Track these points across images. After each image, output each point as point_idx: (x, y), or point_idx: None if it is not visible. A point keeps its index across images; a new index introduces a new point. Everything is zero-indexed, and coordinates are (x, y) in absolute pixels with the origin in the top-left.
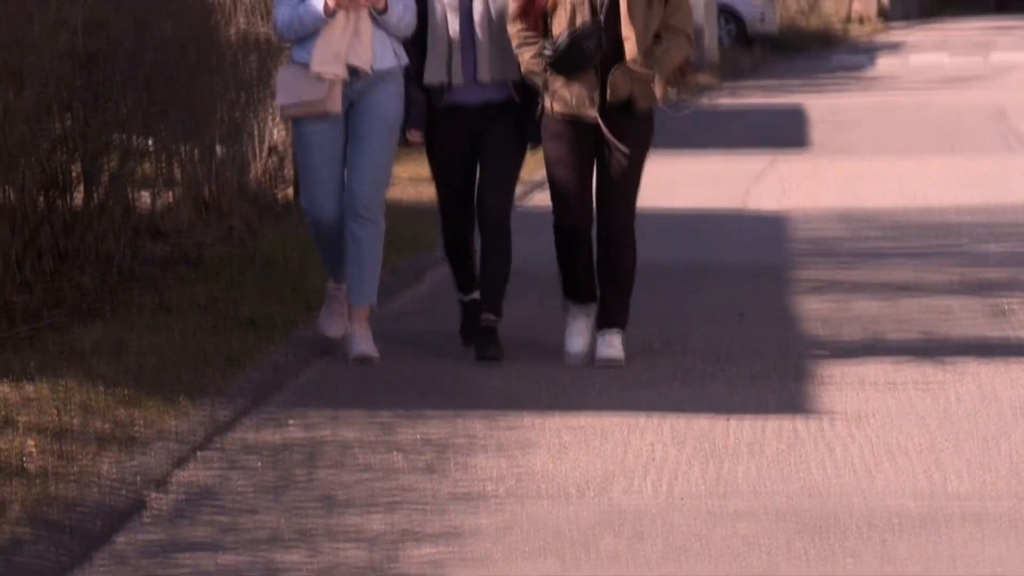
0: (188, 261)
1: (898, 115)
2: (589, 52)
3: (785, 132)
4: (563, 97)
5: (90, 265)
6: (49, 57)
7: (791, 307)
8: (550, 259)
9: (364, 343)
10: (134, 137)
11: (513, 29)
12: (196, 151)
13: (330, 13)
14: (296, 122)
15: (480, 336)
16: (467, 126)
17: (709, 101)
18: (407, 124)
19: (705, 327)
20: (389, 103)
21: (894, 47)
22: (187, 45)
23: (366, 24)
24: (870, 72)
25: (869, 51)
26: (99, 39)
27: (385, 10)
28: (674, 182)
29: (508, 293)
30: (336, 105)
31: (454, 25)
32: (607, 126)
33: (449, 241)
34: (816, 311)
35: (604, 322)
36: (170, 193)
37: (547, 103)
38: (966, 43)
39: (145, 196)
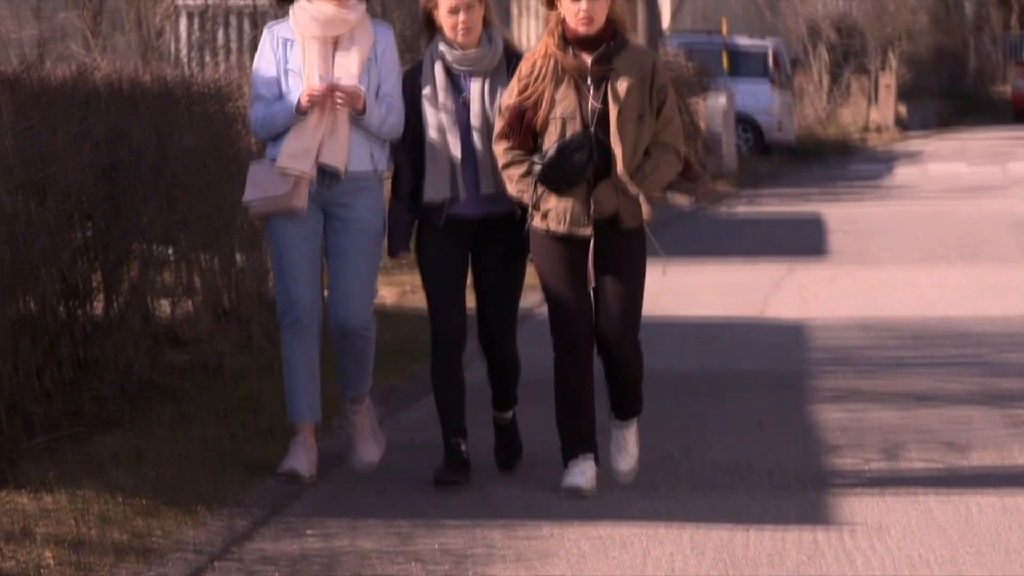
0: (207, 369)
1: (916, 224)
2: (580, 164)
3: (803, 240)
4: (555, 214)
5: (109, 374)
6: (71, 168)
7: (810, 416)
8: None
9: (366, 450)
10: (155, 246)
11: (499, 148)
12: (216, 260)
13: (302, 111)
14: (268, 220)
15: (500, 440)
16: (465, 239)
17: (727, 209)
18: (393, 244)
19: (724, 436)
20: (370, 217)
21: (912, 156)
22: (207, 155)
23: (344, 124)
24: (888, 181)
25: (887, 160)
26: (121, 150)
27: (363, 112)
28: (693, 290)
29: (524, 399)
30: (301, 202)
31: (453, 139)
32: (598, 242)
33: (439, 362)
34: (836, 420)
35: (617, 411)
36: (190, 302)
37: (538, 221)
38: (984, 152)
39: (165, 305)
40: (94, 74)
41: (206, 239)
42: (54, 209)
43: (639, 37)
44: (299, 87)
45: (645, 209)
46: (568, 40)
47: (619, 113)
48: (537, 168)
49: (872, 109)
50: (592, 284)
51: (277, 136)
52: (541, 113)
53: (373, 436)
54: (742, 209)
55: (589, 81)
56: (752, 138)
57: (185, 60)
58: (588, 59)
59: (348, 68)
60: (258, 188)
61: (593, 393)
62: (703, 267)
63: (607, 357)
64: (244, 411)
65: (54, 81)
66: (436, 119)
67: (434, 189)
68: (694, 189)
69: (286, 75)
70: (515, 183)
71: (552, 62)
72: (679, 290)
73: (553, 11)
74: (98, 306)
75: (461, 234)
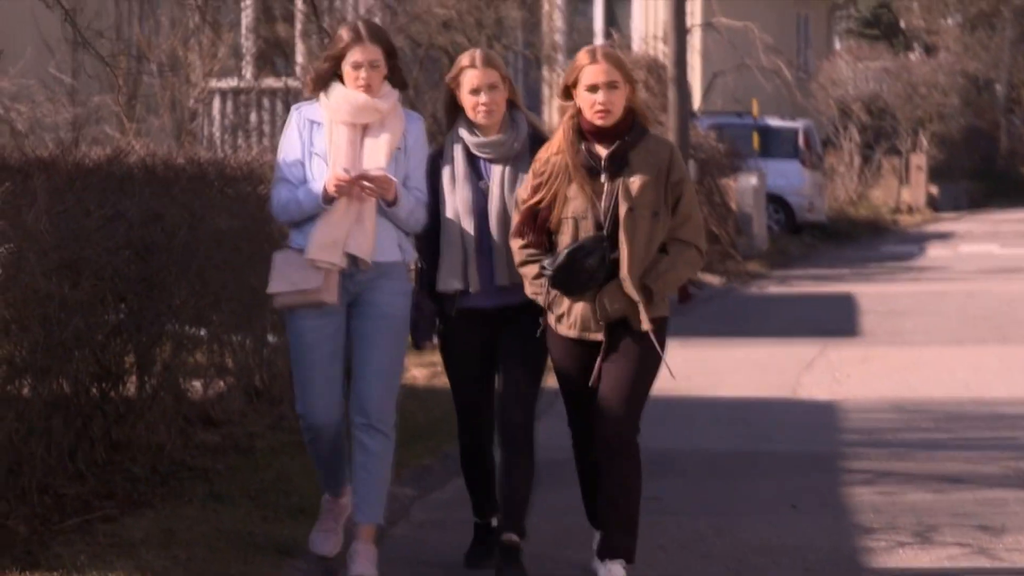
0: (239, 450)
1: (949, 304)
2: (591, 270)
3: (835, 320)
4: (568, 318)
5: (142, 454)
6: (105, 250)
7: (844, 497)
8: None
9: (365, 565)
10: (187, 326)
11: (515, 245)
12: (248, 340)
13: (328, 200)
14: (290, 314)
15: (501, 559)
16: (483, 331)
17: (758, 289)
18: (417, 335)
19: (757, 516)
20: (395, 302)
21: (944, 236)
22: (240, 237)
23: (371, 212)
24: (920, 261)
25: (919, 240)
26: (154, 231)
27: (395, 203)
28: (724, 369)
29: (534, 498)
30: (332, 296)
31: (469, 227)
32: (608, 343)
33: (466, 450)
34: (869, 501)
35: (605, 551)
36: (222, 382)
37: (552, 322)
38: (1016, 233)
39: (197, 385)
40: (128, 156)
41: (238, 319)
42: (88, 290)
43: (670, 118)
44: (324, 172)
45: (644, 320)
46: (584, 132)
47: (630, 211)
48: (547, 273)
49: (903, 189)
50: (596, 381)
51: (300, 222)
52: (555, 212)
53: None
54: (773, 289)
55: (603, 178)
56: (783, 218)
57: (218, 142)
58: (604, 152)
59: (376, 156)
60: (285, 279)
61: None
62: (734, 347)
63: (601, 459)
64: (275, 491)
65: (89, 163)
66: (453, 205)
67: (446, 279)
68: (724, 270)
69: (311, 158)
70: (529, 283)
71: (566, 157)
72: (710, 370)
73: (569, 102)
74: (131, 386)
75: (480, 324)
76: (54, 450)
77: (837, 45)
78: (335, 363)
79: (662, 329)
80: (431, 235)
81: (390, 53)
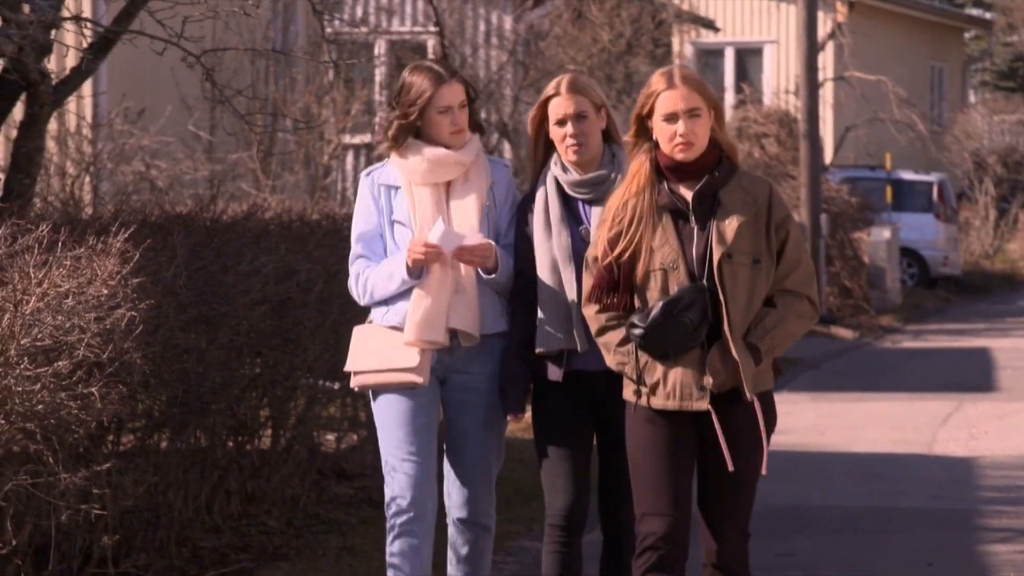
0: (371, 503)
1: None
2: (691, 326)
3: (971, 375)
4: (664, 386)
5: (276, 507)
6: (242, 305)
7: (982, 555)
8: None
9: None
10: (320, 380)
11: (589, 312)
12: None
13: (414, 274)
14: (375, 393)
15: None
16: (589, 398)
17: (892, 343)
18: (507, 404)
19: (892, 574)
20: (495, 387)
21: None
22: None
23: (471, 279)
24: None
25: None
26: (289, 287)
27: (495, 270)
28: (857, 424)
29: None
30: (426, 376)
31: (570, 278)
32: (717, 417)
33: (555, 540)
34: (1008, 560)
35: None
36: (354, 435)
37: (641, 397)
38: None
39: (330, 438)
40: (264, 212)
41: None
42: (224, 345)
43: (801, 171)
44: (408, 241)
45: (747, 388)
46: (662, 170)
47: (727, 258)
48: (637, 333)
49: None
50: (731, 466)
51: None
52: (640, 265)
53: None
54: (908, 343)
55: (692, 221)
56: (917, 272)
57: (352, 197)
58: (688, 193)
59: (467, 218)
60: (369, 357)
61: None
62: (869, 401)
63: (709, 563)
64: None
65: (226, 219)
66: (549, 255)
67: (547, 338)
68: (857, 324)
69: (391, 227)
70: (612, 353)
71: (645, 199)
72: (843, 424)
73: (645, 141)
74: (265, 440)
75: (583, 392)
76: (191, 503)
77: (972, 98)
78: (430, 441)
79: (769, 406)
80: (528, 291)
81: (469, 94)
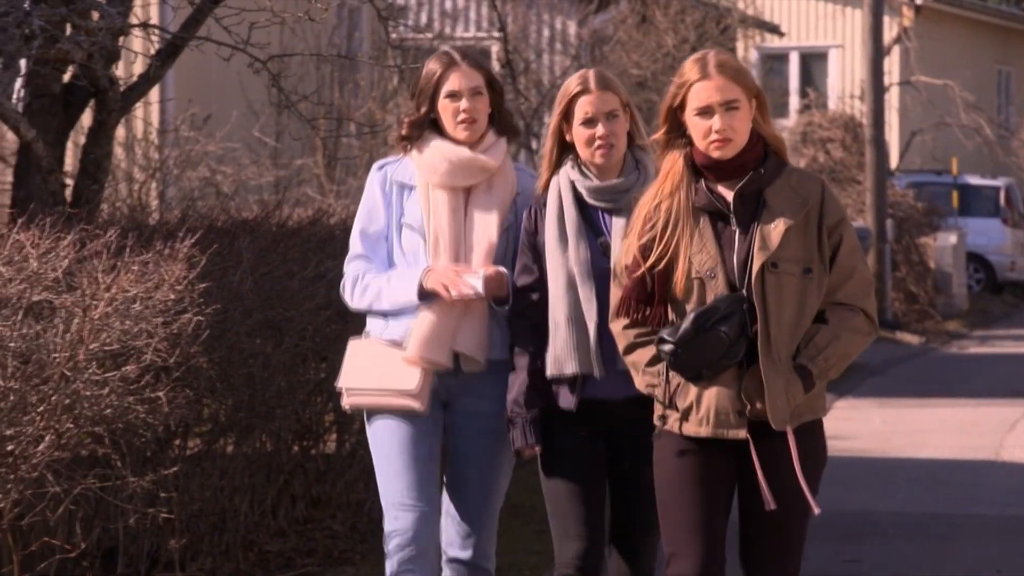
0: None
1: None
2: (727, 340)
3: None
4: (697, 410)
5: (341, 511)
6: (307, 310)
7: None
8: None
9: None
10: None
11: (617, 328)
12: None
13: (423, 296)
14: (370, 414)
15: None
16: (605, 430)
17: (958, 349)
18: (516, 438)
19: None
20: (501, 412)
21: None
22: None
23: (480, 303)
24: None
25: None
26: None
27: (507, 302)
28: (923, 430)
29: None
30: (425, 402)
31: (588, 295)
32: (757, 448)
33: None
34: None
35: None
36: None
37: (672, 422)
38: None
39: None
40: (329, 218)
41: None
42: (290, 349)
43: (867, 176)
44: (418, 250)
45: (778, 414)
46: (699, 168)
47: (771, 267)
48: (667, 349)
49: None
50: (771, 505)
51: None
52: (678, 274)
53: None
54: (974, 349)
55: (733, 223)
56: (984, 277)
57: None
58: (729, 193)
59: (486, 232)
60: (365, 374)
61: None
62: (934, 407)
63: None
64: None
65: (292, 225)
66: (564, 269)
67: (561, 361)
68: (923, 330)
69: (400, 231)
70: (642, 373)
71: (680, 200)
72: (909, 430)
73: (678, 137)
74: (330, 444)
75: (598, 424)
76: (257, 507)
77: None
78: (430, 471)
79: (816, 438)
80: (537, 310)
81: (492, 84)
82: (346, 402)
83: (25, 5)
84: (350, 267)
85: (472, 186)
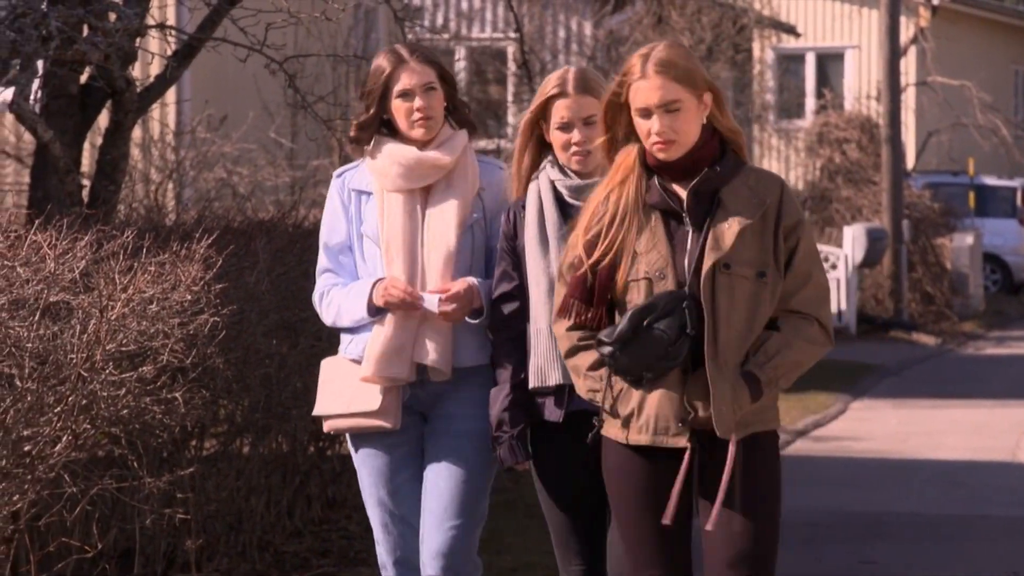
0: None
1: None
2: (667, 340)
3: None
4: (638, 417)
5: (357, 512)
6: None
7: None
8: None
9: None
10: None
11: (560, 329)
12: None
13: (373, 312)
14: (352, 438)
15: None
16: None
17: (975, 350)
18: (504, 453)
19: None
20: (480, 415)
21: None
22: None
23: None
24: None
25: None
26: None
27: (481, 313)
28: (940, 431)
29: None
30: (392, 419)
31: None
32: (699, 458)
33: None
34: None
35: None
36: None
37: (613, 430)
38: None
39: None
40: None
41: None
42: (306, 350)
43: (883, 177)
44: (377, 258)
45: (726, 422)
46: (651, 166)
47: (722, 268)
48: (606, 351)
49: None
50: (668, 519)
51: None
52: (620, 273)
53: None
54: (991, 350)
55: (687, 223)
56: (1000, 278)
57: None
58: (683, 191)
59: (445, 232)
60: (336, 398)
61: None
62: (950, 408)
63: None
64: (488, 551)
65: (308, 225)
66: (546, 274)
67: (542, 371)
68: (939, 331)
69: (360, 240)
70: (583, 377)
71: (629, 193)
72: (925, 431)
73: (631, 133)
74: (346, 446)
75: (584, 433)
76: (273, 508)
77: None
78: (415, 491)
79: (766, 452)
80: (518, 318)
81: (444, 77)
82: (327, 427)
83: (43, 6)
84: (319, 281)
85: (430, 186)
